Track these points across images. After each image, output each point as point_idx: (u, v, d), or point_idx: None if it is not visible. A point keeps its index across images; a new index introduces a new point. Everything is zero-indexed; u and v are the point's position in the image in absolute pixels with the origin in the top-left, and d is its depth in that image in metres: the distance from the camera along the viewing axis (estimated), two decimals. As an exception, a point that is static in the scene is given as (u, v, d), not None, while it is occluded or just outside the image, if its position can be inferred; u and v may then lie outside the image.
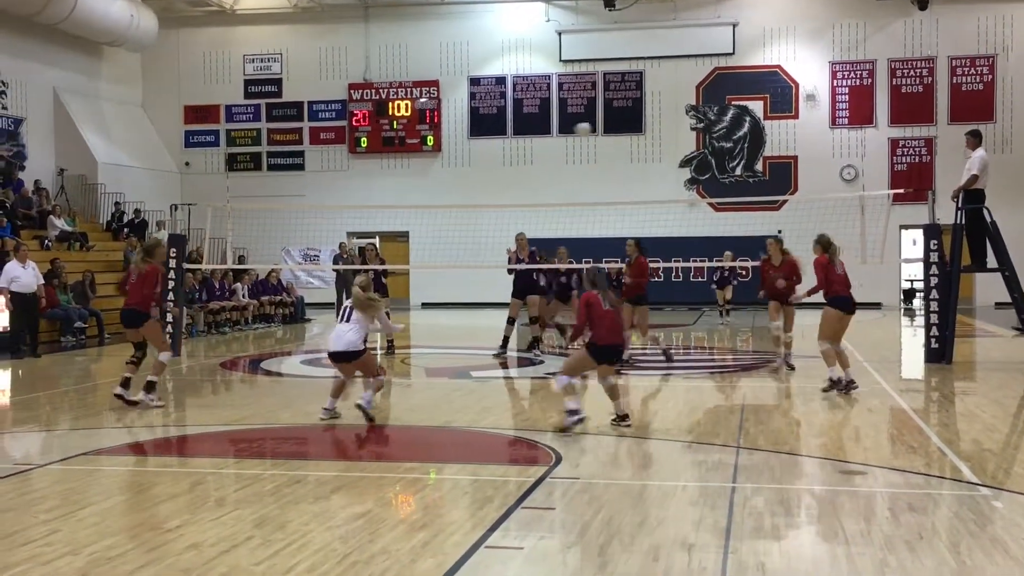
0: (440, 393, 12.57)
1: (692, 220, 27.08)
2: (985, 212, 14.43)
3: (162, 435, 10.06)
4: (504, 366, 14.89)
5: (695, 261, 26.03)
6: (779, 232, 26.76)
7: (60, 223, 23.48)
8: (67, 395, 12.54)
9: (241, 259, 24.70)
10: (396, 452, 8.68)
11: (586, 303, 9.16)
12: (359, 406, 9.69)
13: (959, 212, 14.51)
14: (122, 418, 10.89)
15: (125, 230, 25.63)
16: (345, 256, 23.83)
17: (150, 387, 10.88)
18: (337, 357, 9.93)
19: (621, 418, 9.35)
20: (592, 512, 6.32)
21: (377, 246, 19.04)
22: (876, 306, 26.06)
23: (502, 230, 14.69)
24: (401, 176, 29.78)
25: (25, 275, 16.79)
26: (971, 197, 14.43)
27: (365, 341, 9.96)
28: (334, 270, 24.58)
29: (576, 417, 9.14)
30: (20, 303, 16.77)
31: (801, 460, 8.04)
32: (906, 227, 25.69)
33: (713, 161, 28.57)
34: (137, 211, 26.53)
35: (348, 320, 9.92)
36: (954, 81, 27.46)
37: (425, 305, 29.10)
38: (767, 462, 7.92)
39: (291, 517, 6.24)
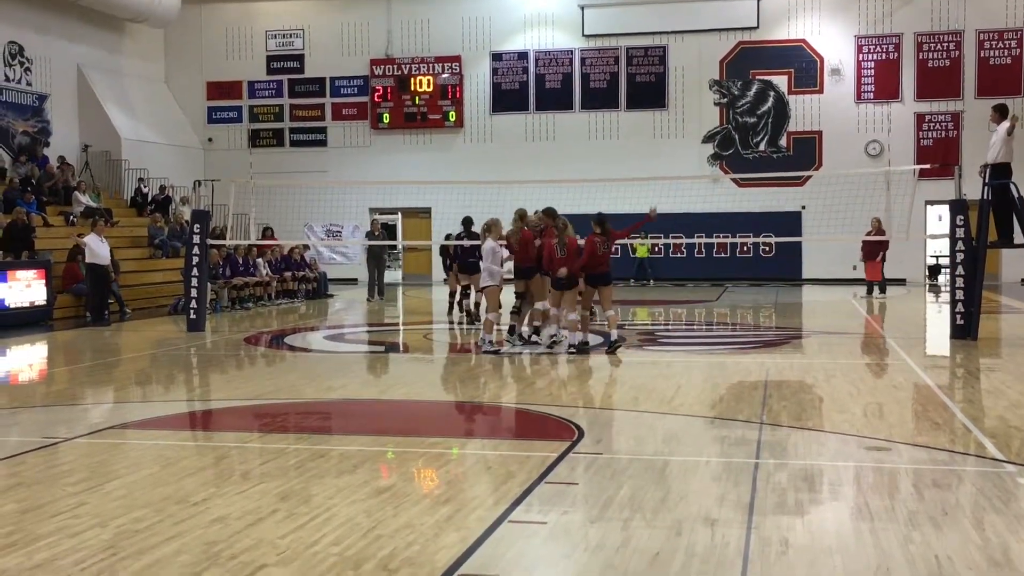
0: (462, 368, 12.60)
1: (715, 196, 26.93)
2: (1012, 188, 14.28)
3: (187, 409, 10.14)
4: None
5: (718, 237, 25.92)
6: (803, 208, 26.73)
7: (85, 199, 23.63)
8: (93, 369, 12.64)
9: (265, 233, 24.78)
10: (419, 427, 8.71)
11: None
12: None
13: (985, 187, 14.37)
14: (147, 393, 10.99)
15: (149, 206, 25.76)
16: (377, 233, 23.86)
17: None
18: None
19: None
20: (615, 487, 6.33)
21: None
22: (901, 282, 25.91)
23: (525, 205, 14.63)
24: (423, 152, 29.77)
25: (103, 248, 17.74)
26: (998, 172, 14.28)
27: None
28: (367, 245, 24.53)
29: None
30: (99, 275, 17.95)
31: (825, 436, 8.01)
32: (932, 203, 25.49)
33: (736, 136, 28.39)
34: (162, 187, 26.66)
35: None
36: (981, 55, 27.11)
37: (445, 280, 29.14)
38: (790, 438, 7.90)
39: (315, 491, 6.28)
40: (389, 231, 31.31)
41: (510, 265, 13.71)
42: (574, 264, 12.94)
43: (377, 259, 23.61)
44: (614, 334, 13.16)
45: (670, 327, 17.82)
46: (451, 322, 17.85)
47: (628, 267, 28.02)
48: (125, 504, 6.04)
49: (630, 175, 25.12)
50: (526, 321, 14.22)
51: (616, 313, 13.61)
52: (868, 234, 21.69)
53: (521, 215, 13.95)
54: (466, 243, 17.46)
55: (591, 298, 13.60)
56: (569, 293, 13.12)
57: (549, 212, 13.60)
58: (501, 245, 13.54)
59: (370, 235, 24.16)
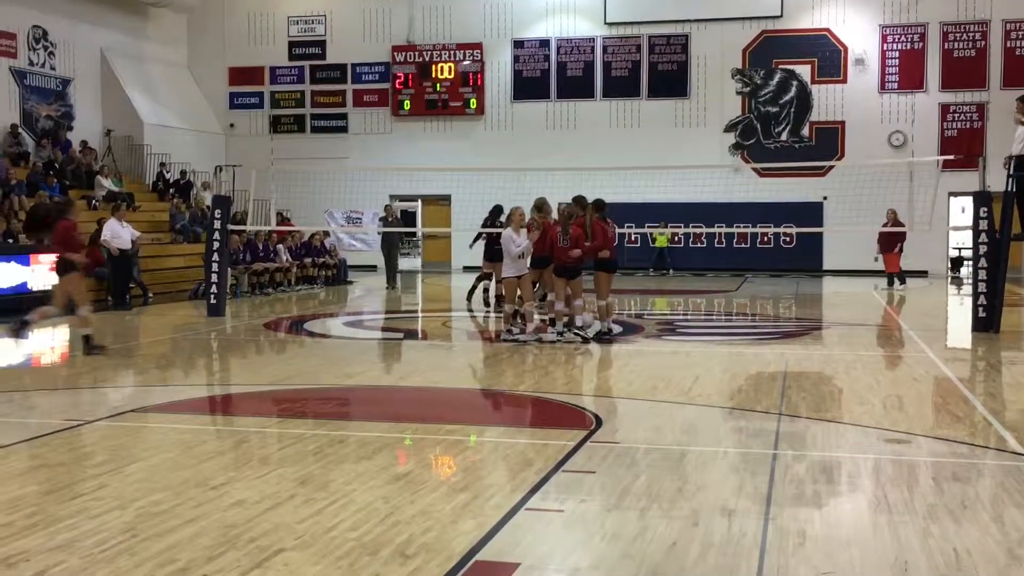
0: (481, 356, 12.63)
1: (736, 186, 26.81)
2: (1037, 180, 14.14)
3: (207, 394, 10.21)
4: None
5: (738, 227, 25.80)
6: (824, 198, 26.59)
7: (107, 183, 23.75)
8: (115, 353, 12.71)
9: (286, 220, 24.80)
10: (436, 414, 8.73)
11: None
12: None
13: (1010, 179, 14.25)
14: (167, 377, 11.06)
15: (171, 191, 25.88)
16: (390, 219, 23.83)
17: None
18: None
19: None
20: (632, 476, 6.33)
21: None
22: (923, 274, 25.73)
23: (545, 194, 14.60)
24: (444, 139, 29.75)
25: (124, 233, 18.11)
26: (1022, 164, 14.14)
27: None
28: (380, 233, 24.54)
29: None
30: (120, 259, 18.23)
31: (844, 428, 7.99)
32: (955, 194, 25.28)
33: (758, 126, 28.24)
34: (183, 172, 26.77)
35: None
36: (1008, 45, 26.83)
37: (467, 268, 29.14)
38: (809, 429, 7.88)
39: (333, 477, 6.31)
40: (408, 218, 31.33)
41: (528, 248, 13.33)
42: (587, 248, 12.90)
43: (390, 245, 23.51)
44: (579, 320, 13.22)
45: (689, 317, 17.77)
46: (471, 310, 17.85)
47: (648, 256, 27.98)
48: (145, 487, 6.09)
49: (651, 164, 25.03)
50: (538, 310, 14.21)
51: (583, 303, 13.45)
52: (884, 225, 21.57)
53: (539, 205, 13.86)
54: (489, 231, 17.40)
55: (608, 286, 13.55)
56: (579, 281, 13.15)
57: (579, 201, 13.51)
58: (526, 231, 13.38)
59: (384, 221, 24.11)
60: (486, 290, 17.75)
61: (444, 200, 29.38)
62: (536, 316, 13.28)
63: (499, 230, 16.25)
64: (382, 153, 29.57)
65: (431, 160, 28.49)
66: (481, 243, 18.28)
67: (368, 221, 29.27)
